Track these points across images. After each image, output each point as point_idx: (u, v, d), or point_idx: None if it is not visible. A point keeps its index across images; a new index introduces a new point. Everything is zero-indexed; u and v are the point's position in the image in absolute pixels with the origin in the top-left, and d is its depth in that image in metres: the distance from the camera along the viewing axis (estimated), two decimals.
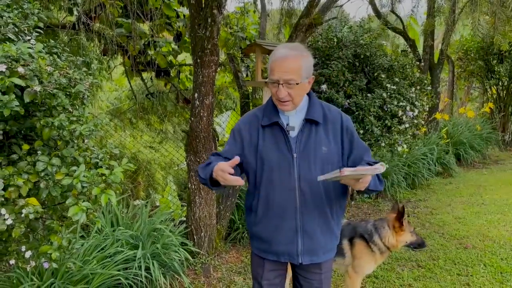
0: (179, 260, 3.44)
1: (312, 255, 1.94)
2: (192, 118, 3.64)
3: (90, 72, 2.23)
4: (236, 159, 1.70)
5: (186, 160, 3.87)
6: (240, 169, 2.00)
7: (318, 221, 1.91)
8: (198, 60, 3.53)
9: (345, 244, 2.89)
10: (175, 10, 5.75)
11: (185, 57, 7.28)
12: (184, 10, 5.93)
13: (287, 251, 1.93)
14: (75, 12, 5.21)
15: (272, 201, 1.89)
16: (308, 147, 1.86)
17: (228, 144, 1.98)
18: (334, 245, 2.04)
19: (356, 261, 2.85)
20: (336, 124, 1.92)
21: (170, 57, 6.15)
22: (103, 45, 5.81)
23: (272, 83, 1.80)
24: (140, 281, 3.14)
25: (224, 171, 1.66)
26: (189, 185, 3.81)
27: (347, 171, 1.54)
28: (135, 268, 3.14)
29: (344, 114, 1.97)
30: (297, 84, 1.77)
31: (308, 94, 1.96)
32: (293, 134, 1.89)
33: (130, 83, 6.74)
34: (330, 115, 1.93)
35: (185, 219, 4.04)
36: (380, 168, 1.56)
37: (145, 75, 6.78)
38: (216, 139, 3.83)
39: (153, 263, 3.22)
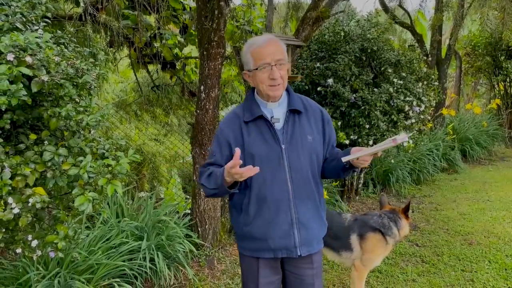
0: (184, 252, 3.45)
1: (308, 245, 1.94)
2: (198, 111, 3.64)
3: (97, 63, 2.23)
4: (238, 151, 1.66)
5: (191, 153, 3.87)
6: None
7: (311, 211, 1.93)
8: (205, 53, 3.52)
9: (354, 238, 2.91)
10: (182, 2, 5.72)
11: (191, 49, 7.26)
12: (191, 3, 5.90)
13: (284, 246, 1.91)
14: (82, 4, 5.20)
15: (265, 196, 1.86)
16: (295, 137, 1.88)
17: (214, 151, 1.94)
18: (324, 233, 2.05)
19: (367, 255, 2.86)
20: (316, 115, 1.97)
21: (176, 50, 6.14)
22: (109, 37, 5.80)
23: (262, 68, 1.80)
24: (145, 272, 3.17)
25: (235, 166, 1.63)
26: (194, 178, 3.82)
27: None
28: (140, 259, 3.16)
29: (321, 106, 2.04)
30: (286, 63, 1.83)
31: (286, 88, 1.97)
32: (278, 126, 1.89)
33: (135, 75, 6.73)
34: (309, 105, 1.98)
35: (189, 211, 4.05)
36: (406, 136, 1.64)
37: (151, 67, 6.77)
38: None
39: (157, 255, 3.24)
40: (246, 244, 2.00)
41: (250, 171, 1.63)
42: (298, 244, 1.90)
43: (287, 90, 1.97)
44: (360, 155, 1.73)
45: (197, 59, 6.61)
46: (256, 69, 1.82)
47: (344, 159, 1.75)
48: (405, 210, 2.97)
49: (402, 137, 1.62)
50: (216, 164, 1.91)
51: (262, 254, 1.95)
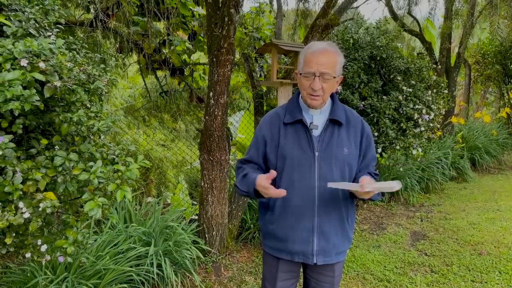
0: (191, 258, 3.44)
1: (325, 255, 1.94)
2: (207, 117, 3.64)
3: (108, 69, 2.25)
4: (273, 173, 1.74)
5: (199, 159, 3.87)
6: (267, 168, 2.01)
7: (334, 223, 1.92)
8: (214, 59, 3.53)
9: None
10: (191, 9, 5.76)
11: (199, 56, 7.30)
12: (200, 10, 5.94)
13: (301, 251, 1.93)
14: (92, 10, 5.26)
15: (290, 199, 1.88)
16: (330, 147, 1.87)
17: (251, 147, 2.02)
18: (346, 248, 2.04)
19: None
20: (357, 128, 1.95)
21: (185, 56, 6.17)
22: (118, 43, 5.85)
23: (306, 76, 1.81)
24: (152, 278, 3.16)
25: (266, 187, 1.73)
26: (202, 184, 3.81)
27: (367, 188, 1.60)
28: (147, 264, 3.16)
29: (364, 120, 2.02)
30: (333, 77, 1.81)
31: (332, 96, 1.98)
32: (316, 133, 1.89)
33: (144, 81, 6.77)
34: (353, 119, 1.96)
35: (196, 217, 4.04)
36: (397, 186, 1.60)
37: (159, 73, 6.80)
38: (230, 138, 3.83)
39: (165, 261, 3.23)
40: (268, 242, 2.05)
41: (278, 194, 1.72)
42: (315, 252, 1.91)
43: (332, 98, 1.97)
44: (345, 187, 1.75)
45: (205, 66, 6.64)
46: (301, 74, 1.85)
47: (330, 185, 1.76)
48: None
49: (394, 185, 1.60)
50: (251, 161, 2.00)
51: (281, 255, 2.00)
